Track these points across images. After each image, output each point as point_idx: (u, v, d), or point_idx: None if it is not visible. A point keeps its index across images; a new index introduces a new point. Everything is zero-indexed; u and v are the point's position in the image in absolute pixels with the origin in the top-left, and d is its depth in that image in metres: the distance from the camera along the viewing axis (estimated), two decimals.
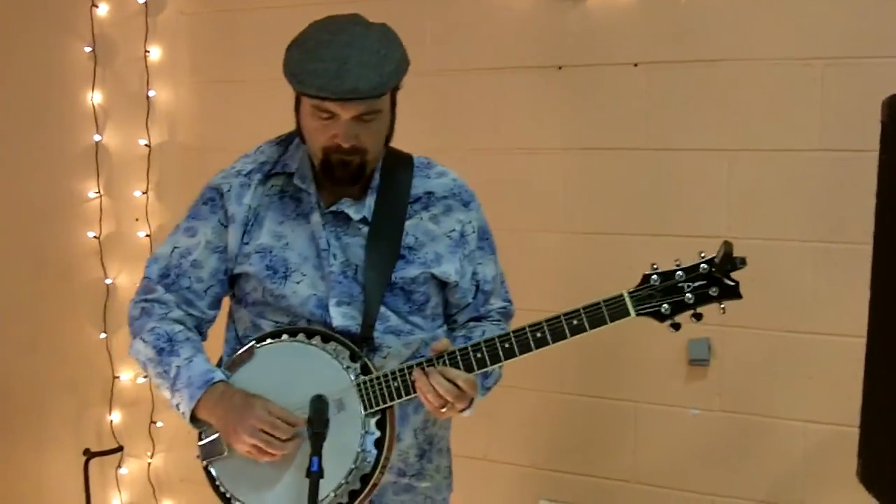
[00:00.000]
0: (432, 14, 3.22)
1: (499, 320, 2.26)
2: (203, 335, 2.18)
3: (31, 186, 3.71)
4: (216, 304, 2.19)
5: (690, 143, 2.91)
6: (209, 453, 2.09)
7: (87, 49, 3.62)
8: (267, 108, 3.45)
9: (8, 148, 3.72)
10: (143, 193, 3.64)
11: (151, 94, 3.60)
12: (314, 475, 1.82)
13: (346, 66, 1.92)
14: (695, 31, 2.89)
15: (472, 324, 2.23)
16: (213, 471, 2.09)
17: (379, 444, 2.01)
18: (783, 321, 2.84)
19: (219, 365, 2.15)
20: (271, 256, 2.09)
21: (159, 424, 3.66)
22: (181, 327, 2.12)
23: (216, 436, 2.07)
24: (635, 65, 2.96)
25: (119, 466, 3.70)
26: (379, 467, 2.00)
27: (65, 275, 3.70)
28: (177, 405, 2.08)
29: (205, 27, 3.59)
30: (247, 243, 2.11)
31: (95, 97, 3.63)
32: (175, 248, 2.16)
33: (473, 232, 2.19)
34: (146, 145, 3.62)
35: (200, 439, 2.11)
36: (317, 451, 1.84)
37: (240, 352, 2.10)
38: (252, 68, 3.49)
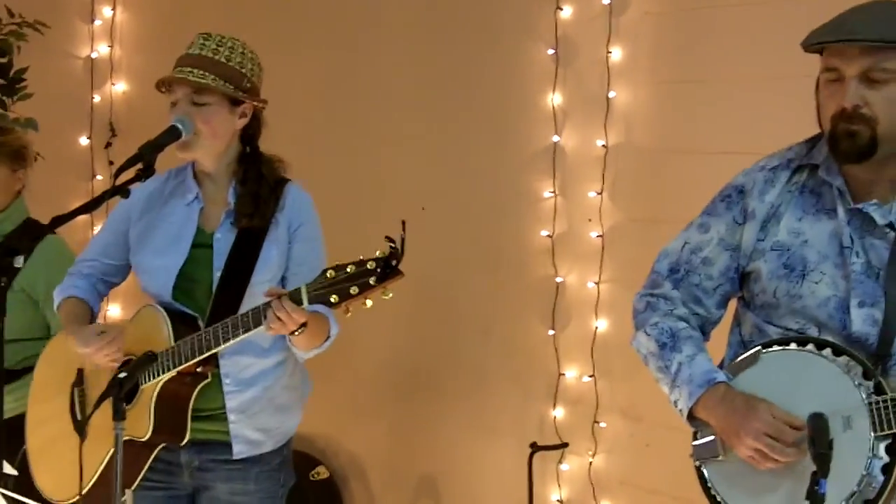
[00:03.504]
0: None
1: None
2: (706, 336, 2.14)
3: (493, 184, 3.90)
4: (723, 304, 2.14)
5: None
6: (703, 454, 2.05)
7: (550, 51, 3.72)
8: (730, 108, 3.39)
9: (474, 147, 3.94)
10: (598, 194, 3.66)
11: (611, 94, 3.61)
12: (819, 497, 1.73)
13: (846, 18, 1.90)
14: None
15: None
16: (705, 472, 2.05)
17: (886, 470, 1.87)
18: None
19: (720, 367, 2.10)
20: (788, 254, 2.00)
21: (602, 425, 3.66)
22: (684, 324, 2.10)
23: (712, 437, 2.03)
24: None
25: (560, 462, 3.75)
26: (885, 494, 1.87)
27: (518, 270, 3.83)
28: (675, 401, 2.07)
29: (668, 27, 3.53)
30: (762, 240, 2.05)
31: (556, 98, 3.72)
32: (686, 243, 2.14)
33: None
34: (603, 146, 3.64)
35: (695, 439, 2.07)
36: (824, 472, 1.74)
37: (744, 355, 2.04)
38: (717, 67, 3.38)
